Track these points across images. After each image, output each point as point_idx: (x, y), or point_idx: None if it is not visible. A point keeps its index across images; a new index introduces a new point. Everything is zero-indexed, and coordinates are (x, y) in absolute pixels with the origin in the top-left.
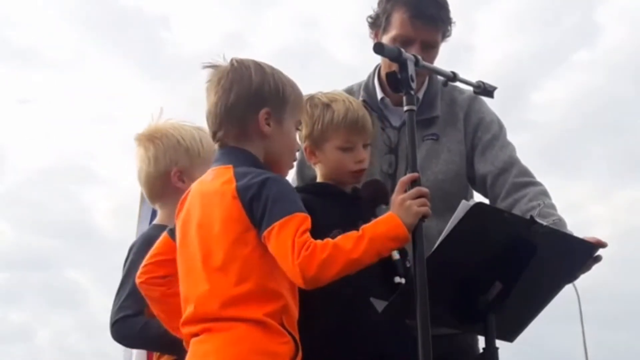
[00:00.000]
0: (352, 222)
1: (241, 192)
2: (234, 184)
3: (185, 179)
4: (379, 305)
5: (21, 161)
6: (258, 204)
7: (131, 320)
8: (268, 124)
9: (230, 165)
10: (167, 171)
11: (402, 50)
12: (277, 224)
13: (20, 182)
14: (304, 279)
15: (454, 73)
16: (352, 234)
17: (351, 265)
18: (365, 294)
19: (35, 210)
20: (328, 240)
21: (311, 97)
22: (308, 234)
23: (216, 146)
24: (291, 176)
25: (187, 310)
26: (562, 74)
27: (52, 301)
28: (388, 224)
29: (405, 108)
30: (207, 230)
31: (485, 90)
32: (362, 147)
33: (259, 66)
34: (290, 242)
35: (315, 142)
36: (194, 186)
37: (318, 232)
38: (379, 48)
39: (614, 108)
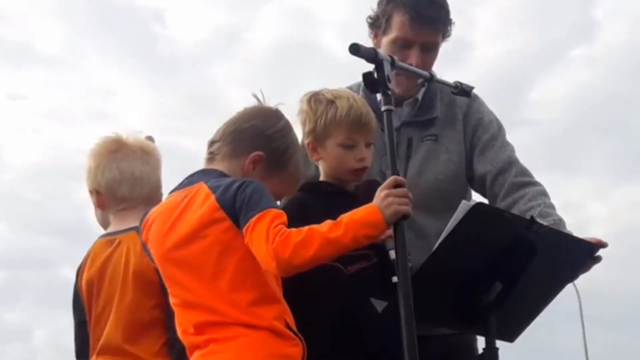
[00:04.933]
0: None
1: (221, 201)
2: (212, 197)
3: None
4: (379, 305)
5: (14, 158)
6: (238, 206)
7: None
8: (253, 167)
9: (201, 182)
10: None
11: (378, 50)
12: (253, 219)
13: (15, 180)
14: (278, 262)
15: (431, 74)
16: (329, 221)
17: (327, 245)
18: (363, 294)
19: (31, 208)
20: (304, 227)
21: (316, 93)
22: (283, 226)
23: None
24: None
25: (189, 322)
26: (560, 71)
27: (49, 301)
28: (365, 211)
29: (383, 108)
30: (199, 247)
31: (463, 90)
32: (364, 146)
33: (288, 125)
34: (265, 231)
35: (318, 139)
36: (158, 210)
37: None
38: (354, 49)
39: (612, 105)
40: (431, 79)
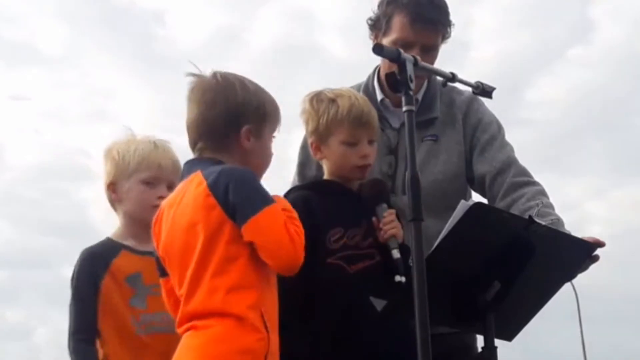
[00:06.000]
0: (354, 220)
1: (213, 188)
2: (204, 184)
3: (118, 190)
4: (378, 304)
5: (16, 158)
6: (233, 195)
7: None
8: (248, 139)
9: (199, 171)
10: (106, 184)
11: (401, 50)
12: (263, 212)
13: (16, 180)
14: (299, 264)
15: (453, 74)
16: None
17: None
18: (365, 293)
19: (32, 208)
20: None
21: (318, 93)
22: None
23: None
24: (292, 176)
25: (180, 311)
26: (559, 70)
27: (50, 299)
28: None
29: (404, 108)
30: (189, 234)
31: (484, 90)
32: (367, 143)
33: (242, 84)
34: (285, 229)
35: (321, 137)
36: (167, 202)
37: (318, 230)
38: (378, 49)
39: (610, 105)
40: (453, 78)
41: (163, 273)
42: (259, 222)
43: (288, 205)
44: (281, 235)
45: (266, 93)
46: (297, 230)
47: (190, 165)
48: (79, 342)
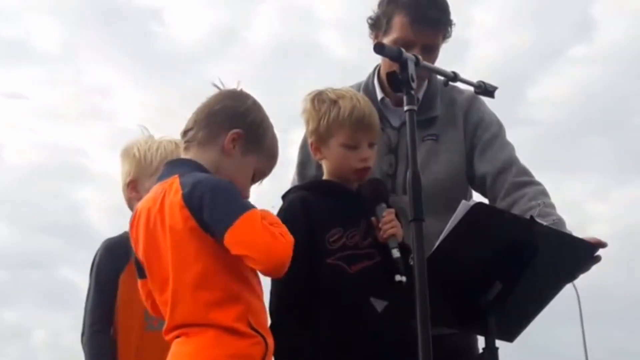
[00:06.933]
0: (353, 220)
1: (188, 200)
2: (180, 194)
3: (139, 188)
4: (379, 305)
5: (12, 158)
6: (207, 208)
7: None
8: (233, 145)
9: (176, 176)
10: (126, 183)
11: (403, 50)
12: (238, 221)
13: (11, 180)
14: (287, 263)
15: (454, 73)
16: None
17: None
18: (366, 294)
19: (28, 208)
20: None
21: (320, 93)
22: None
23: (182, 148)
24: (292, 175)
25: (167, 320)
26: (560, 69)
27: (47, 300)
28: None
29: (406, 108)
30: (167, 243)
31: (486, 90)
32: (367, 146)
33: (257, 102)
34: (268, 230)
35: (321, 138)
36: (142, 205)
37: (317, 230)
38: (379, 48)
39: (612, 104)
40: (455, 78)
41: (142, 275)
42: (235, 233)
43: (275, 219)
44: (261, 239)
45: (273, 130)
46: (282, 232)
47: (170, 167)
48: (95, 334)
